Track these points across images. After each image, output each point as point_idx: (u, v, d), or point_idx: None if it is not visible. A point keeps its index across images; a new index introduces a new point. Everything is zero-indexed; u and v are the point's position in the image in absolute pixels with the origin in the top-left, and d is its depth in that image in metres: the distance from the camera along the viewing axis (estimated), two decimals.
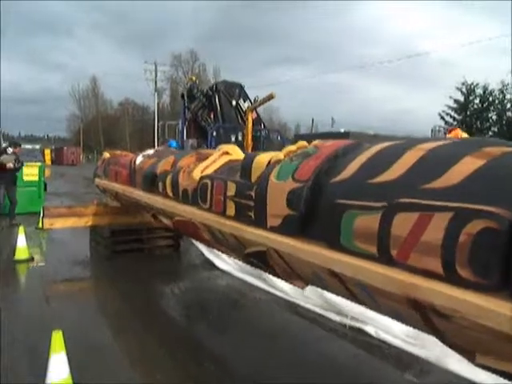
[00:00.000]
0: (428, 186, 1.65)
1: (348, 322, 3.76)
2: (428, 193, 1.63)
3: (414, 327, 1.81)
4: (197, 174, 3.28)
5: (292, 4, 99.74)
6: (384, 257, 1.73)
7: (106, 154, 7.32)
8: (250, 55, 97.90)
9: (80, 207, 6.11)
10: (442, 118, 27.89)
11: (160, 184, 3.87)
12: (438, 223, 1.52)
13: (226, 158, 3.38)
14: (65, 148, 53.82)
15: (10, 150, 8.66)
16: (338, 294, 2.23)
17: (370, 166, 1.98)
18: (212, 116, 12.42)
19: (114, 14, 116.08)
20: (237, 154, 3.44)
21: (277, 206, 2.32)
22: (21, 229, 5.72)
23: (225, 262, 5.50)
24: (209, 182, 3.02)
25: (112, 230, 5.80)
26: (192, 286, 5.07)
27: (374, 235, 1.76)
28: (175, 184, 3.56)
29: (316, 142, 2.66)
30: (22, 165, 9.19)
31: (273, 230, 2.36)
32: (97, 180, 6.33)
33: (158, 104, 46.29)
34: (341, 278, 1.95)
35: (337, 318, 3.89)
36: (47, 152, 47.37)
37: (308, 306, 4.20)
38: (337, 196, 2.01)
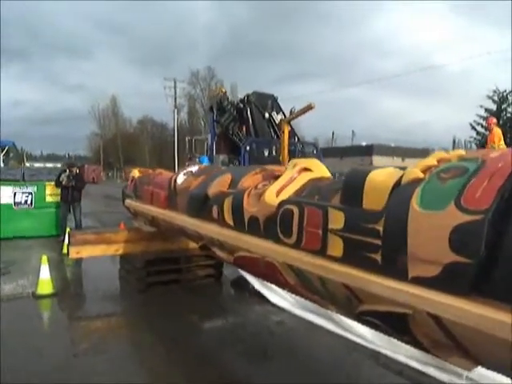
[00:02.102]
0: None
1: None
2: None
3: None
4: (271, 197, 2.51)
5: (305, 18, 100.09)
6: None
7: (136, 172, 6.64)
8: (265, 71, 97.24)
9: (109, 233, 5.39)
10: (474, 127, 26.81)
11: (214, 208, 3.11)
12: None
13: (307, 176, 2.61)
14: (86, 166, 53.95)
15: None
16: None
17: None
18: (244, 130, 11.71)
19: (130, 35, 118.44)
20: (320, 170, 2.68)
21: (430, 248, 1.54)
22: (44, 258, 5.02)
23: (279, 296, 4.70)
24: (295, 209, 2.24)
25: (146, 259, 5.05)
26: (245, 326, 4.26)
27: None
28: (237, 209, 2.80)
29: (460, 151, 1.88)
30: (80, 182, 9.23)
31: (421, 282, 1.57)
32: (127, 201, 5.63)
33: (177, 120, 46.13)
34: None
35: (443, 377, 3.03)
36: None
37: (398, 357, 3.35)
38: None
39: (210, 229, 3.11)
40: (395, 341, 3.39)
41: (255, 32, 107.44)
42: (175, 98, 42.08)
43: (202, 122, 66.79)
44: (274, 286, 4.81)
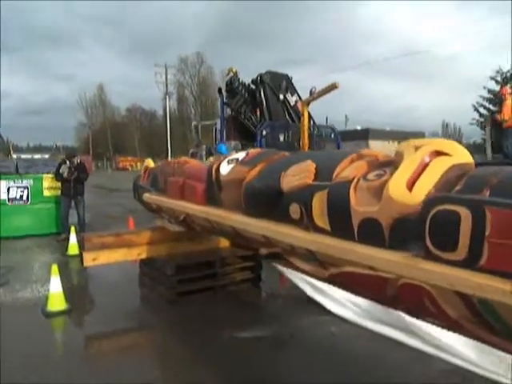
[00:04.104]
0: None
1: None
2: None
3: None
4: (400, 191, 1.79)
5: (294, 5, 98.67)
6: None
7: (150, 162, 5.89)
8: (254, 57, 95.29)
9: (130, 234, 4.61)
10: (476, 109, 26.25)
11: (294, 207, 2.38)
12: None
13: (445, 162, 1.87)
14: None
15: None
16: None
17: None
18: (258, 113, 10.83)
19: (117, 24, 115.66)
20: (460, 153, 1.94)
21: None
22: (54, 268, 4.22)
23: (338, 304, 4.00)
24: (462, 211, 1.52)
25: (177, 265, 4.30)
26: (305, 342, 3.58)
27: None
28: (339, 209, 2.08)
29: None
30: (83, 173, 8.37)
31: None
32: (146, 195, 4.84)
33: (166, 108, 44.86)
34: None
35: None
36: None
37: None
38: None
39: (292, 234, 2.36)
40: None
41: (243, 19, 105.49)
42: (166, 84, 40.85)
43: (192, 110, 65.50)
44: (329, 291, 4.13)
